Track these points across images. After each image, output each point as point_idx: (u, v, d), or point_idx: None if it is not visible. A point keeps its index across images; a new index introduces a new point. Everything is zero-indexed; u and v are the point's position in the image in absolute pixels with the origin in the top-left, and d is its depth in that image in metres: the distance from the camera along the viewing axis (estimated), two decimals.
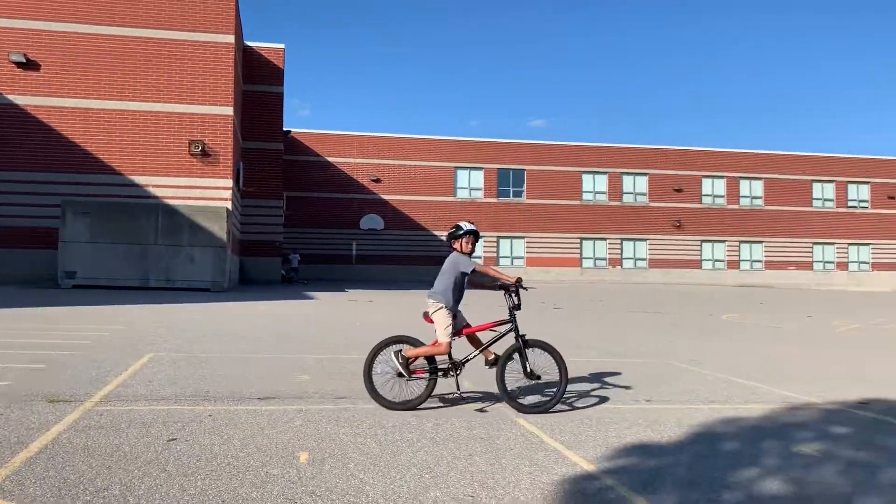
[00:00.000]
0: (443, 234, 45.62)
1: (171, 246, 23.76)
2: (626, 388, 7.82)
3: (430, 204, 45.69)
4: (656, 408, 6.76)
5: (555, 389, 6.35)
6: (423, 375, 6.29)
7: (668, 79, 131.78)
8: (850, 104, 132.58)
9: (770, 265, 49.45)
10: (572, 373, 8.74)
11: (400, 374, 6.24)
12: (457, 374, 6.38)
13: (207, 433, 5.19)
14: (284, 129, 37.83)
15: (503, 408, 6.38)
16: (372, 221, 44.90)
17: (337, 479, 4.24)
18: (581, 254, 47.41)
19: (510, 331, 6.43)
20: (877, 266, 50.98)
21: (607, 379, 8.35)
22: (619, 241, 47.83)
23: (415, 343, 6.39)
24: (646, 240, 48.08)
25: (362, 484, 4.16)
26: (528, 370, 6.26)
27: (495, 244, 46.43)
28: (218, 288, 23.81)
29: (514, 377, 6.35)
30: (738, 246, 49.30)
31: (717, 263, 49.09)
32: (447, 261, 6.45)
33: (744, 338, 14.36)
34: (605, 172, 47.83)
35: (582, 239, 47.44)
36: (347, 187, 44.76)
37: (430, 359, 6.29)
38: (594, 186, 47.89)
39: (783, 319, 19.87)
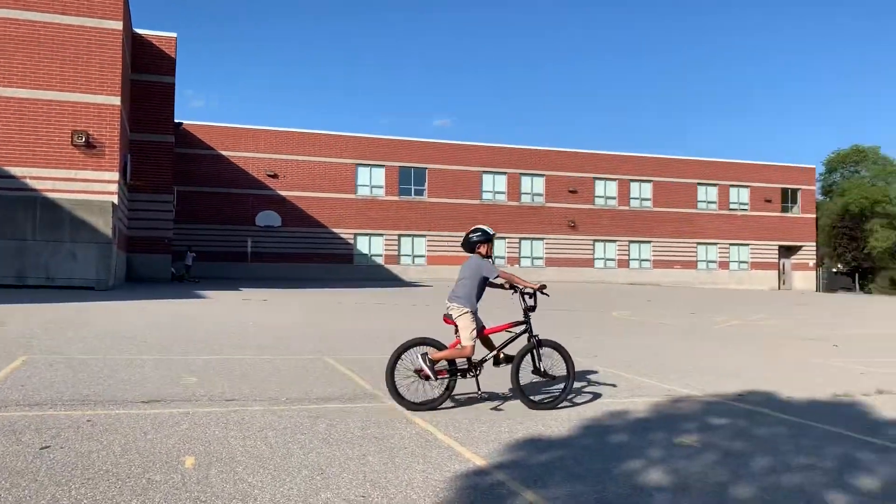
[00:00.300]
0: (343, 232, 45.16)
1: (52, 242, 22.42)
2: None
3: (329, 201, 45.10)
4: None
5: (561, 386, 6.70)
6: (445, 376, 6.38)
7: (571, 82, 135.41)
8: (730, 111, 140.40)
9: (658, 264, 51.67)
10: None
11: (426, 377, 6.27)
12: (476, 375, 6.51)
13: (85, 439, 4.91)
14: (176, 120, 36.38)
15: (400, 407, 6.36)
16: (268, 218, 43.87)
17: (224, 483, 4.10)
18: None
19: (524, 332, 6.65)
20: (755, 265, 54.18)
21: (502, 376, 8.47)
22: (517, 241, 48.76)
23: (438, 345, 6.47)
24: (543, 239, 49.24)
25: (250, 488, 4.04)
26: (542, 369, 6.58)
27: (396, 242, 46.37)
28: (102, 286, 22.65)
29: (523, 374, 6.55)
30: (629, 245, 51.25)
31: (608, 262, 50.87)
32: (468, 265, 6.59)
33: (632, 334, 14.93)
34: (504, 173, 48.65)
35: None
36: (243, 182, 43.54)
37: (451, 360, 6.38)
38: (494, 186, 48.63)
39: (669, 316, 20.80)
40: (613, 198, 51.06)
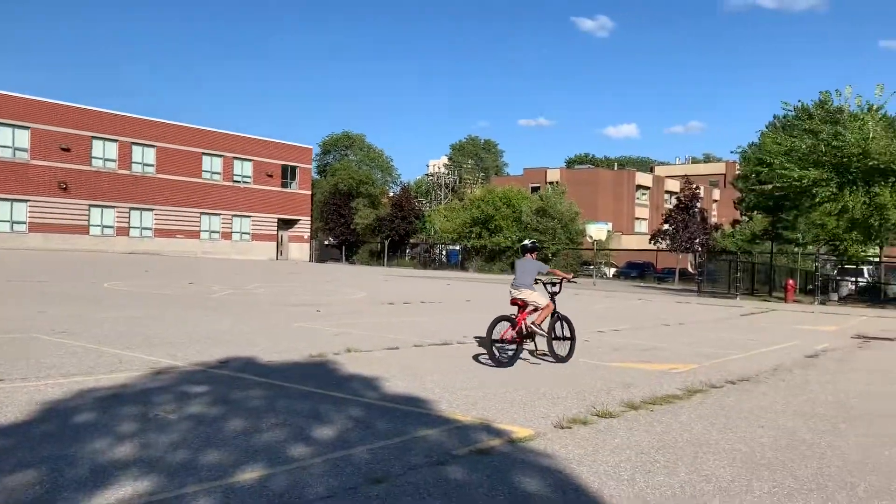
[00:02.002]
0: None
1: None
2: None
3: None
4: (7, 387, 6.03)
5: (569, 346, 9.24)
6: (519, 341, 8.87)
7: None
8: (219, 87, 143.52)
9: (160, 233, 49.94)
10: None
11: (512, 340, 8.75)
12: (533, 340, 9.22)
13: None
14: None
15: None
16: None
17: None
18: None
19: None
20: (256, 237, 56.40)
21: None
22: None
23: (513, 321, 8.81)
24: (26, 201, 43.17)
25: None
26: (561, 334, 9.22)
27: None
28: None
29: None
30: (129, 212, 48.40)
31: (106, 229, 47.23)
32: (528, 264, 9.21)
33: (123, 305, 14.13)
34: None
35: None
36: None
37: (519, 331, 8.83)
38: None
39: (167, 286, 20.28)
40: (113, 160, 47.51)
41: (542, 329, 9.01)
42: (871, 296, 29.73)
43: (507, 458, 4.67)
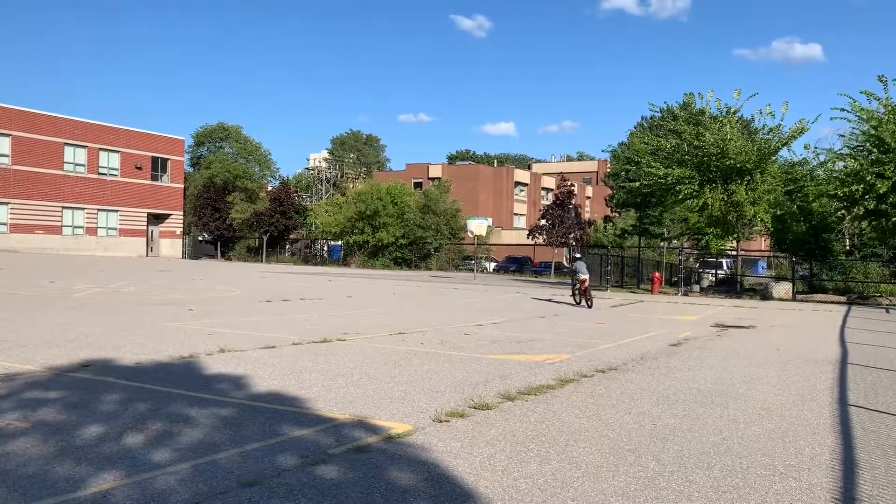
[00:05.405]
0: None
1: None
2: None
3: None
4: None
5: (591, 301, 19.82)
6: (583, 296, 19.95)
7: None
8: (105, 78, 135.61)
9: (16, 228, 46.39)
10: None
11: (580, 295, 19.96)
12: (589, 296, 19.83)
13: None
14: None
15: None
16: None
17: None
18: None
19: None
20: (124, 232, 53.45)
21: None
22: None
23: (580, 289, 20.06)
24: None
25: None
26: (589, 294, 19.83)
27: None
28: None
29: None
30: None
31: None
32: (583, 264, 20.04)
33: None
34: None
35: None
36: None
37: (585, 292, 19.79)
38: None
39: (24, 286, 18.90)
40: None
41: (590, 294, 19.86)
42: (729, 286, 31.83)
43: (384, 455, 4.64)
